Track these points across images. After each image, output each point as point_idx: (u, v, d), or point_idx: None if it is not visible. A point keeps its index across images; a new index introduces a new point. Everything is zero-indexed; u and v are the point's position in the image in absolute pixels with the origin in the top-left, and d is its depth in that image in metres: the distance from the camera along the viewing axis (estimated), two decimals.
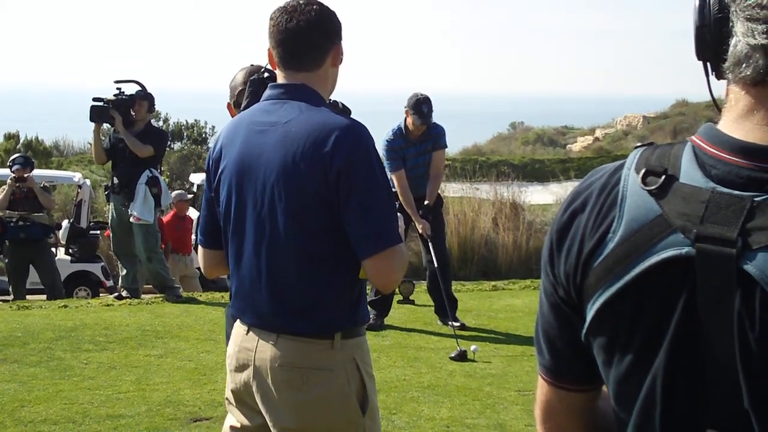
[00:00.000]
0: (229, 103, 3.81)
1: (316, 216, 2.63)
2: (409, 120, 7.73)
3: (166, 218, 12.18)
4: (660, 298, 1.23)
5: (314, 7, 2.74)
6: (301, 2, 2.74)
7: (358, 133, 2.64)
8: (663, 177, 1.25)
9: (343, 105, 3.47)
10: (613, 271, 1.26)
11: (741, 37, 1.22)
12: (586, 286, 1.31)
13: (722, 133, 1.24)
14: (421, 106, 7.63)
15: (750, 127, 1.22)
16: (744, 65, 1.22)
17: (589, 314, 1.31)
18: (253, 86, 3.24)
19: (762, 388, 1.16)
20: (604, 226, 1.29)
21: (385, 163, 7.63)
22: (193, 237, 11.38)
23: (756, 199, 1.17)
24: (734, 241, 1.16)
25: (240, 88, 3.68)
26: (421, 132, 7.75)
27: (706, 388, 1.20)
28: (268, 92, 2.80)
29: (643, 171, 1.27)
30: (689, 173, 1.24)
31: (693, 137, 1.28)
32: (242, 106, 3.25)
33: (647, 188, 1.25)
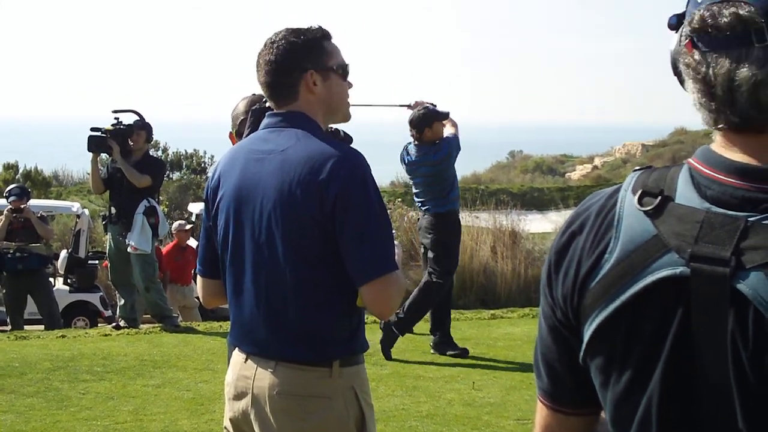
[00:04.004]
0: (231, 133, 3.82)
1: (313, 243, 2.64)
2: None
3: (166, 249, 12.18)
4: (656, 318, 1.24)
5: (281, 42, 2.77)
6: (272, 37, 2.80)
7: (355, 161, 2.66)
8: (659, 198, 1.26)
9: (345, 133, 3.49)
10: (609, 291, 1.27)
11: (691, 94, 1.27)
12: (583, 307, 1.32)
13: (717, 154, 1.26)
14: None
15: (743, 149, 1.24)
16: (708, 118, 1.27)
17: (587, 335, 1.32)
18: (254, 116, 3.25)
19: (756, 407, 1.16)
20: (601, 246, 1.30)
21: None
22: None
23: (750, 219, 1.18)
24: (728, 261, 1.17)
25: (242, 118, 3.69)
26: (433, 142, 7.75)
27: (701, 408, 1.21)
28: (265, 121, 2.83)
29: (639, 192, 1.29)
30: (685, 194, 1.25)
31: (690, 159, 1.30)
32: (244, 135, 3.26)
33: (643, 209, 1.27)
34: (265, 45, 2.80)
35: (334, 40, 2.85)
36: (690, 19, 1.26)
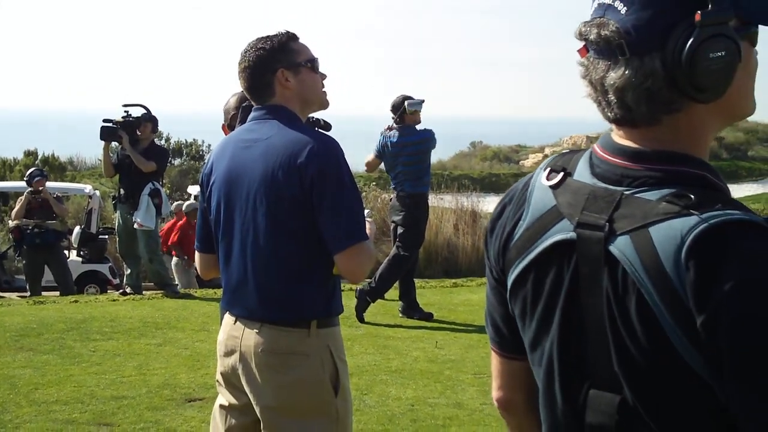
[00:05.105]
0: (223, 125, 3.78)
1: (293, 219, 2.63)
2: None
3: (167, 225, 12.11)
4: (553, 274, 1.30)
5: (251, 50, 2.76)
6: (246, 47, 2.79)
7: (329, 146, 2.66)
8: (561, 174, 1.32)
9: (324, 121, 3.46)
10: (521, 251, 1.34)
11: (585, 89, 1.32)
12: (506, 264, 1.38)
13: (611, 139, 1.32)
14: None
15: (627, 137, 1.30)
16: (598, 111, 1.31)
17: (509, 288, 1.38)
18: (244, 113, 3.22)
19: (625, 352, 1.21)
20: (518, 214, 1.37)
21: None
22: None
23: (625, 192, 1.23)
24: (603, 227, 1.22)
25: (233, 113, 3.65)
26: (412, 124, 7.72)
27: (589, 352, 1.26)
28: (252, 114, 2.82)
29: (548, 170, 1.35)
30: (581, 172, 1.32)
31: (594, 144, 1.36)
32: (236, 128, 3.23)
33: (548, 183, 1.33)
34: (240, 56, 2.79)
35: (301, 40, 2.82)
36: (574, 31, 1.31)
